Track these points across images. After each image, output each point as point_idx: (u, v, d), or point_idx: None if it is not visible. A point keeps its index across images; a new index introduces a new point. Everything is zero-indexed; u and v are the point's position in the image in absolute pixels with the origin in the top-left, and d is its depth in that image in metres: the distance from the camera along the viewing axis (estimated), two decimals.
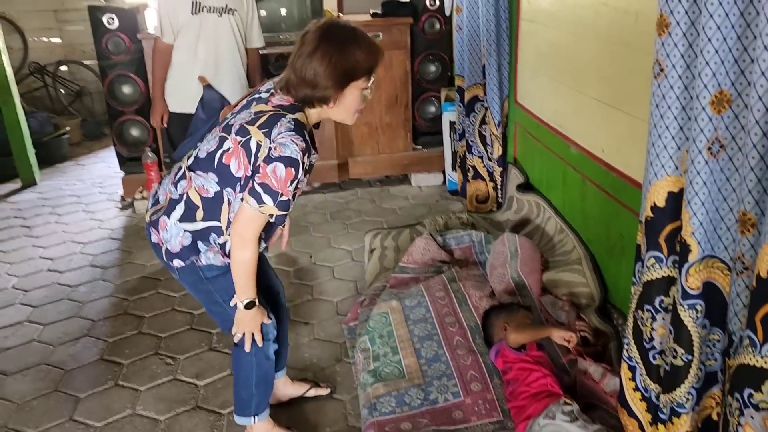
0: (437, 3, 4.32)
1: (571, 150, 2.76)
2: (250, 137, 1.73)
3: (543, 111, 3.08)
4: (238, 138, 1.75)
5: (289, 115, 1.73)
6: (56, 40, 6.91)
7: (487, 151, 3.85)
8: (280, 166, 1.66)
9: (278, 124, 1.71)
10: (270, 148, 1.68)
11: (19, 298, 3.32)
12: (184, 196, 1.84)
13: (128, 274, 3.53)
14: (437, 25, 4.40)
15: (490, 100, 3.59)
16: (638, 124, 2.13)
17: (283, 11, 4.30)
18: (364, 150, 4.59)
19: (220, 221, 1.83)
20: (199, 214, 1.83)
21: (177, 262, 1.89)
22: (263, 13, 4.25)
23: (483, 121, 3.82)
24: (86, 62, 6.79)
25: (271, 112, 1.74)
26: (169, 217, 1.85)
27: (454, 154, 4.38)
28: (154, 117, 3.54)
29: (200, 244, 1.86)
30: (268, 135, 1.70)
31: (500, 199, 3.78)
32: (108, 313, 3.15)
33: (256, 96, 1.87)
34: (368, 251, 3.51)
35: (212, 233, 1.85)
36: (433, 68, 4.51)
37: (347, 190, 4.64)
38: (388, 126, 4.55)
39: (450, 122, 4.39)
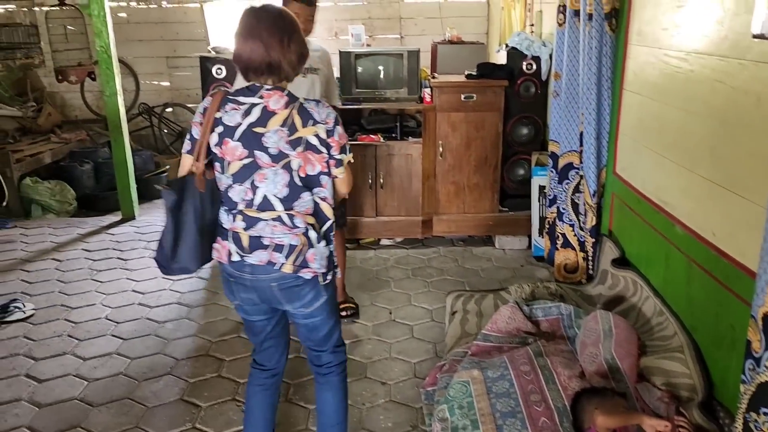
0: (534, 67, 4.31)
1: (676, 229, 2.63)
2: (306, 137, 1.88)
3: (645, 185, 2.96)
4: (298, 149, 1.88)
5: (301, 98, 1.93)
6: (165, 83, 7.38)
7: (579, 220, 3.73)
8: (339, 127, 1.94)
9: (308, 108, 1.89)
10: (326, 127, 1.90)
11: (111, 329, 3.45)
12: (306, 226, 1.94)
13: (212, 315, 3.61)
14: (532, 89, 4.37)
15: (586, 168, 3.50)
16: (756, 210, 2.00)
17: (380, 68, 4.40)
18: (450, 208, 4.56)
19: (331, 217, 2.01)
20: (322, 227, 1.99)
21: (328, 278, 2.03)
22: (359, 69, 4.38)
23: (576, 189, 3.72)
24: (189, 105, 7.19)
25: (295, 107, 1.88)
26: (313, 247, 1.95)
27: (542, 219, 4.27)
28: None
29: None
30: (315, 121, 1.88)
31: (591, 271, 3.64)
32: (191, 352, 3.21)
33: (256, 120, 1.87)
34: (449, 313, 3.44)
35: (330, 232, 2.03)
36: (525, 131, 4.47)
37: (430, 248, 4.61)
38: (476, 186, 4.51)
39: (540, 187, 4.30)
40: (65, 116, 7.36)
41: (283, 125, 1.85)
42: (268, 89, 1.88)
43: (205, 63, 4.34)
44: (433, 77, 4.52)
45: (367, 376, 3.00)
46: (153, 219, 5.34)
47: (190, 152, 1.94)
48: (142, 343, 3.31)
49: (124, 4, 7.02)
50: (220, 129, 1.87)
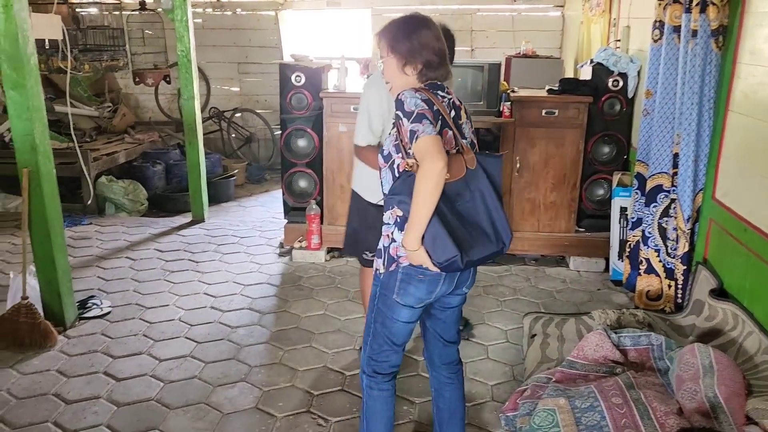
0: (620, 84, 4.16)
1: None
2: None
3: (753, 213, 2.78)
4: None
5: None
6: (235, 89, 7.50)
7: (666, 246, 3.56)
8: None
9: None
10: None
11: (185, 331, 3.46)
12: None
13: (284, 322, 3.58)
14: (617, 106, 4.22)
15: (681, 192, 3.32)
16: None
17: (459, 80, 4.33)
18: (524, 226, 4.43)
19: None
20: None
21: None
22: None
23: (665, 213, 3.55)
24: (258, 111, 7.27)
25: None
26: None
27: (622, 242, 4.11)
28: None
29: None
30: None
31: (679, 300, 3.45)
32: (263, 360, 3.18)
33: (455, 114, 2.05)
34: (528, 335, 3.32)
35: None
36: (607, 150, 4.32)
37: (501, 265, 4.49)
38: (552, 204, 4.38)
39: (621, 208, 4.14)
40: (138, 117, 7.56)
41: (468, 119, 2.09)
42: (446, 85, 2.06)
43: (285, 70, 4.35)
44: (513, 91, 4.41)
45: None
46: (221, 222, 5.39)
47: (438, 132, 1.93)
48: (216, 347, 3.30)
49: (200, 10, 7.17)
50: (449, 121, 1.99)
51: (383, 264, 2.04)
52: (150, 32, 6.85)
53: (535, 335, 3.26)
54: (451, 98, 2.05)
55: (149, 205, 5.80)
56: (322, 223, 4.47)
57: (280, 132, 6.21)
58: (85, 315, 3.58)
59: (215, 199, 5.90)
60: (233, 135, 7.36)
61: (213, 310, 3.72)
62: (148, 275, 4.21)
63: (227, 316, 3.65)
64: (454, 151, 1.97)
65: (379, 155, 2.06)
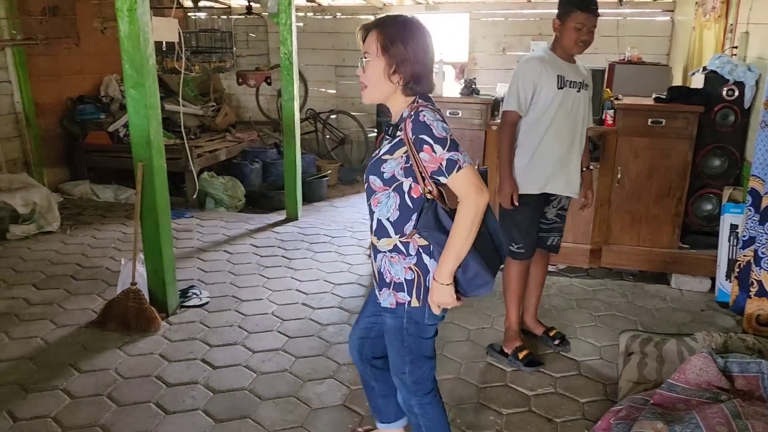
0: (736, 93, 3.91)
1: None
2: None
3: None
4: None
5: None
6: (332, 91, 7.67)
7: None
8: None
9: None
10: None
11: (277, 326, 3.56)
12: None
13: None
14: (731, 117, 3.97)
15: None
16: None
17: None
18: (623, 239, 4.25)
19: None
20: None
21: None
22: None
23: None
24: (353, 113, 7.40)
25: None
26: None
27: (731, 261, 3.86)
28: (503, 197, 3.03)
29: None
30: None
31: None
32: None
33: None
34: (624, 353, 3.18)
35: None
36: (717, 163, 4.07)
37: (595, 279, 4.33)
38: (654, 218, 4.17)
39: (731, 225, 3.89)
40: (239, 117, 7.88)
41: None
42: None
43: None
44: (616, 99, 4.25)
45: (531, 409, 2.84)
46: (314, 221, 5.52)
47: None
48: (306, 343, 3.37)
49: (301, 14, 7.38)
50: None
51: (417, 297, 1.93)
52: (254, 35, 7.14)
53: (632, 354, 3.12)
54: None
55: (246, 202, 6.03)
56: None
57: (374, 134, 6.28)
58: (186, 304, 3.76)
59: (308, 198, 6.05)
60: (327, 136, 7.52)
61: (304, 307, 3.81)
62: (243, 269, 4.37)
63: (318, 313, 3.73)
64: None
65: (376, 178, 1.90)
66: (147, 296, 3.52)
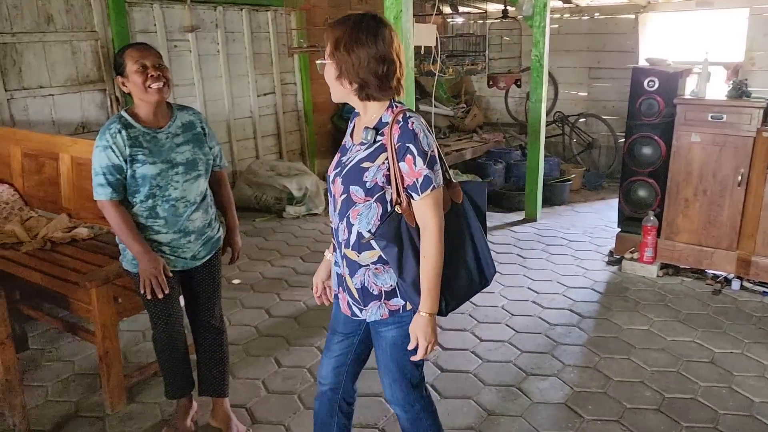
0: None
1: None
2: None
3: None
4: None
5: None
6: (583, 94, 7.48)
7: None
8: None
9: None
10: None
11: (506, 319, 3.67)
12: None
13: (603, 330, 3.52)
14: None
15: None
16: None
17: None
18: None
19: None
20: None
21: None
22: None
23: None
24: (604, 117, 7.14)
25: None
26: None
27: None
28: None
29: None
30: None
31: None
32: (578, 361, 3.20)
33: None
34: None
35: None
36: None
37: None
38: None
39: None
40: (487, 118, 8.11)
41: None
42: None
43: (638, 74, 4.22)
44: None
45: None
46: (553, 224, 5.49)
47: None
48: (533, 339, 3.43)
49: (557, 15, 7.33)
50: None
51: (414, 301, 1.78)
52: (507, 39, 7.28)
53: None
54: None
55: (486, 201, 6.20)
56: (658, 236, 4.22)
57: (624, 139, 6.01)
58: None
59: (549, 201, 6.02)
60: (574, 140, 7.37)
61: (534, 305, 3.86)
62: None
63: (547, 312, 3.75)
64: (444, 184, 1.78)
65: (358, 188, 1.75)
66: None
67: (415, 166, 1.66)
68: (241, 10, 5.98)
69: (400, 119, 1.70)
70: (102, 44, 4.88)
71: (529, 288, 4.11)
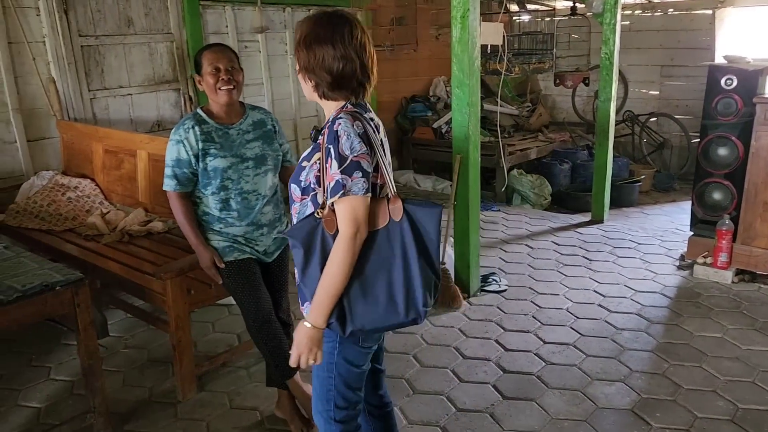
0: None
1: None
2: None
3: None
4: None
5: None
6: (654, 92, 7.25)
7: None
8: None
9: None
10: None
11: (570, 322, 3.61)
12: None
13: (673, 336, 3.41)
14: None
15: None
16: None
17: None
18: None
19: None
20: None
21: None
22: None
23: None
24: (677, 116, 6.89)
25: None
26: None
27: None
28: None
29: None
30: None
31: None
32: (645, 367, 3.11)
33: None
34: None
35: None
36: None
37: None
38: None
39: None
40: (553, 118, 7.97)
41: (385, 137, 1.83)
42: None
43: (714, 72, 4.06)
44: None
45: None
46: (620, 226, 5.35)
47: (369, 190, 1.64)
48: (598, 343, 3.36)
49: (628, 12, 7.12)
50: (380, 152, 1.71)
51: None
52: (575, 36, 7.12)
53: None
54: (374, 119, 1.76)
55: (552, 201, 6.11)
56: (734, 240, 4.05)
57: (698, 139, 5.81)
58: (485, 288, 4.04)
59: (617, 203, 5.85)
60: (644, 140, 7.14)
61: (600, 308, 3.77)
62: (542, 264, 4.49)
63: (614, 316, 3.66)
64: (383, 195, 1.70)
65: (295, 187, 1.75)
66: (453, 276, 3.89)
67: (331, 168, 1.60)
68: (309, 10, 6.09)
69: (330, 120, 1.66)
70: (177, 45, 5.08)
71: (595, 291, 4.02)
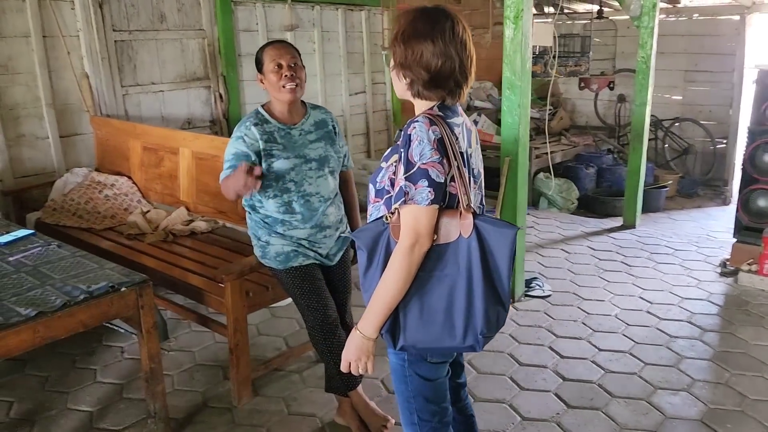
0: None
1: None
2: None
3: None
4: None
5: None
6: (677, 97, 7.21)
7: None
8: None
9: None
10: None
11: (622, 329, 3.55)
12: None
13: (729, 345, 3.36)
14: None
15: None
16: None
17: None
18: None
19: None
20: None
21: None
22: None
23: None
24: (701, 122, 6.86)
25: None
26: None
27: None
28: None
29: None
30: None
31: None
32: (707, 377, 3.05)
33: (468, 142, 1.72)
34: None
35: None
36: None
37: None
38: None
39: None
40: (573, 121, 7.92)
41: (478, 145, 1.77)
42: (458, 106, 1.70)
43: (764, 77, 4.02)
44: None
45: None
46: (653, 231, 5.30)
47: (437, 201, 1.52)
48: (655, 351, 3.29)
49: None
50: (459, 160, 1.58)
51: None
52: (598, 40, 7.08)
53: None
54: (464, 122, 1.68)
55: (578, 205, 6.06)
56: None
57: (723, 144, 5.81)
58: (530, 293, 3.97)
59: (643, 208, 5.80)
60: (667, 145, 7.11)
61: (649, 315, 3.71)
62: (582, 269, 4.43)
63: (664, 324, 3.60)
64: (454, 206, 1.56)
65: (372, 188, 1.68)
66: None
67: (399, 172, 1.53)
68: (337, 9, 6.01)
69: (409, 123, 1.57)
70: (209, 42, 4.99)
71: (641, 297, 3.96)
